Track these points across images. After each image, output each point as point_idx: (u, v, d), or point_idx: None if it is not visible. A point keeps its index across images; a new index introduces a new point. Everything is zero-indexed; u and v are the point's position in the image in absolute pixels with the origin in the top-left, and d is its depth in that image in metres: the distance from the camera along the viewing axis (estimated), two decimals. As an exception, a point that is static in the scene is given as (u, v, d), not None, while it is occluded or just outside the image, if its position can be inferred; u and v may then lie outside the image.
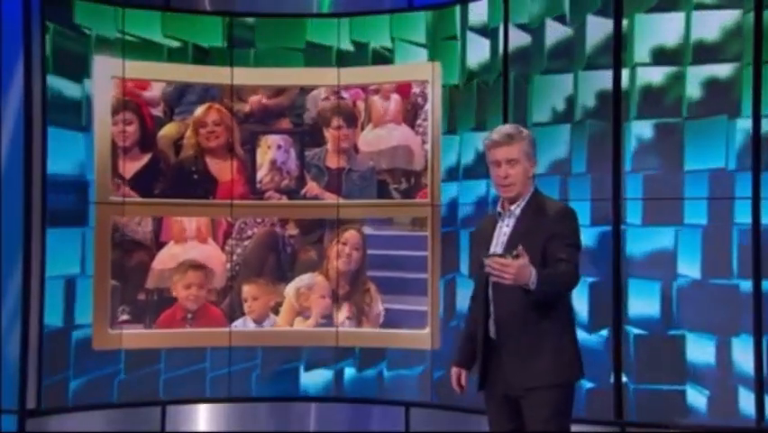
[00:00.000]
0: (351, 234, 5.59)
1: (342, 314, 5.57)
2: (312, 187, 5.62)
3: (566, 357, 3.49)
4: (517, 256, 3.23)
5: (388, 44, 5.52)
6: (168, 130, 5.52)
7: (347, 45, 5.59)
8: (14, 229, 5.08)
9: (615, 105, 4.67)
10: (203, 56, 5.56)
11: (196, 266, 5.54)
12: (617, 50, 4.67)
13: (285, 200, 5.62)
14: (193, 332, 5.53)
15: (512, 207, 3.55)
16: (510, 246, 3.39)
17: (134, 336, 5.42)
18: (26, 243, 5.09)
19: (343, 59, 5.59)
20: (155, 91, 5.49)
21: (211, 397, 5.56)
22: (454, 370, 3.74)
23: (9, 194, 5.09)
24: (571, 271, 3.39)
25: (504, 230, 3.55)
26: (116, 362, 5.37)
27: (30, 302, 5.10)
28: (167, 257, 5.51)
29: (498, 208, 3.61)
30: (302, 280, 5.62)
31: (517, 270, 3.21)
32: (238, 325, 5.58)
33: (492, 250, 3.47)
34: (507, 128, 3.61)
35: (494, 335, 3.53)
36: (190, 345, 5.52)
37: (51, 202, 5.15)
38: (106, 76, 5.36)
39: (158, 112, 5.50)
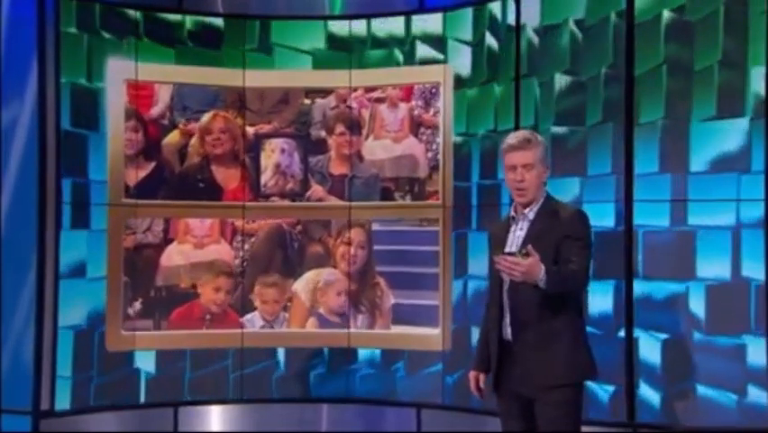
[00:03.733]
0: (355, 233, 5.60)
1: (356, 310, 5.58)
2: (317, 190, 5.64)
3: (580, 357, 3.59)
4: (527, 255, 3.36)
5: (400, 46, 5.53)
6: (172, 138, 5.54)
7: (359, 47, 5.60)
8: (29, 230, 5.10)
9: (627, 106, 4.67)
10: (216, 58, 5.58)
11: (228, 272, 5.57)
12: (629, 53, 4.66)
13: (295, 202, 5.63)
14: (205, 333, 5.55)
15: (525, 211, 3.63)
16: (523, 248, 3.47)
17: (147, 337, 5.45)
18: (40, 244, 5.12)
19: (355, 62, 5.60)
20: (159, 100, 5.51)
21: (223, 398, 5.58)
22: (472, 374, 3.83)
23: (24, 195, 5.11)
24: (580, 270, 3.49)
25: (518, 234, 3.62)
26: (130, 363, 5.40)
27: (44, 303, 5.12)
28: (175, 254, 5.54)
29: (512, 213, 3.69)
30: (319, 274, 5.63)
31: (527, 267, 3.35)
32: (248, 319, 5.59)
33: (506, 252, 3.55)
34: (525, 133, 3.70)
35: (509, 336, 3.61)
36: (203, 346, 5.54)
37: (65, 203, 5.18)
38: (119, 78, 5.38)
39: (162, 121, 5.52)
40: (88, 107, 5.30)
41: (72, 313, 5.23)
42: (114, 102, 5.38)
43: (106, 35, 5.35)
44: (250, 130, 5.62)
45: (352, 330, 5.58)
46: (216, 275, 5.56)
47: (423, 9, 5.52)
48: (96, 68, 5.31)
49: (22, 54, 5.10)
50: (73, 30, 5.22)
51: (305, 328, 5.61)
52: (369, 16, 5.60)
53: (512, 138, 3.66)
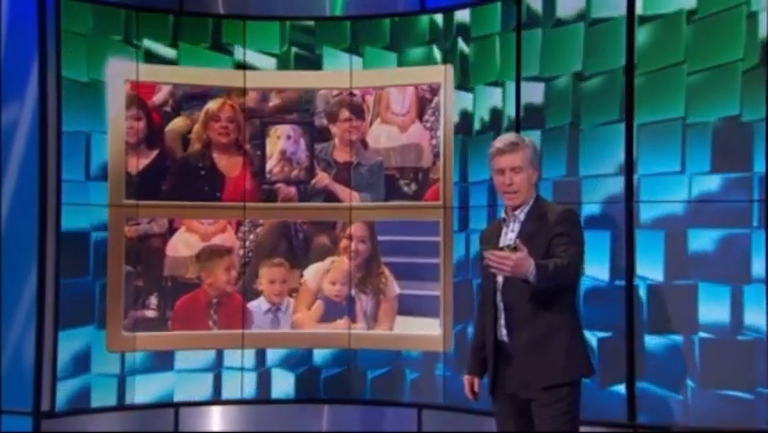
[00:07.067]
0: (356, 228, 5.60)
1: (361, 298, 5.58)
2: (322, 177, 5.63)
3: (577, 355, 3.63)
4: (516, 249, 3.37)
5: (401, 47, 5.53)
6: (175, 124, 5.54)
7: (360, 47, 5.61)
8: (29, 231, 5.11)
9: (627, 106, 4.67)
10: (216, 59, 5.59)
11: (237, 253, 5.58)
12: (629, 50, 4.66)
13: (296, 203, 5.64)
14: (206, 334, 5.55)
15: (516, 213, 3.68)
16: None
17: (148, 337, 5.45)
18: (41, 245, 5.12)
19: (356, 62, 5.61)
20: (163, 89, 5.51)
21: (224, 399, 5.58)
22: (467, 378, 3.90)
23: (24, 196, 5.12)
24: (568, 264, 3.50)
25: (509, 235, 3.66)
26: (130, 363, 5.40)
27: (45, 304, 5.12)
28: (181, 244, 5.54)
29: (503, 215, 3.74)
30: (324, 264, 5.62)
31: (516, 261, 3.34)
32: (254, 306, 5.59)
33: None
34: (511, 137, 3.78)
35: (505, 337, 3.64)
36: (204, 346, 5.54)
37: (65, 204, 5.18)
38: (120, 79, 5.39)
39: (165, 108, 5.52)
40: (89, 108, 5.30)
41: (73, 313, 5.23)
42: (115, 102, 5.38)
43: (108, 36, 5.35)
44: (254, 117, 5.62)
45: (353, 331, 5.58)
46: (228, 253, 5.56)
47: (424, 10, 5.52)
48: (96, 68, 5.32)
49: (23, 53, 5.11)
50: (74, 29, 5.23)
51: (309, 314, 5.60)
52: (369, 17, 5.61)
53: (499, 142, 3.72)
